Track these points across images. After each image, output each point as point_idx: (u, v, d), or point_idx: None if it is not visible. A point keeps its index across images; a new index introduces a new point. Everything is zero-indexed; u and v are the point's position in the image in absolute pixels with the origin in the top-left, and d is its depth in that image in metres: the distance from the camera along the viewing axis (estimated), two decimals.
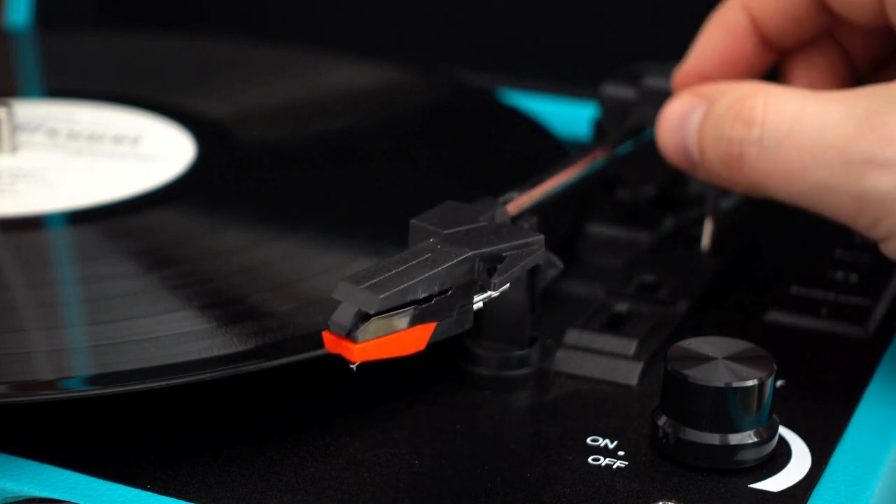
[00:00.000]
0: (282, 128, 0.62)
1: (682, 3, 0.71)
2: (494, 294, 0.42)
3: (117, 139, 0.59)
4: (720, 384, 0.42)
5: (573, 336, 0.49)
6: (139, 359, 0.44)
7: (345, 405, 0.46)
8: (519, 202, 0.47)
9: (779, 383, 0.47)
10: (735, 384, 0.42)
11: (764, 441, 0.43)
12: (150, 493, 0.42)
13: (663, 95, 0.54)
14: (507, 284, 0.43)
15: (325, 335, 0.39)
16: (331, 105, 0.65)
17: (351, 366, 0.40)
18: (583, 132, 0.61)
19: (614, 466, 0.43)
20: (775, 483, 0.43)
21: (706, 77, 0.52)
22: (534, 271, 0.47)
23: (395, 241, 0.49)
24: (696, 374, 0.43)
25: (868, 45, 0.53)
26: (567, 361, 0.48)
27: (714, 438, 0.43)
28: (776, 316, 0.51)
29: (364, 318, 0.39)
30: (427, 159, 0.60)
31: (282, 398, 0.46)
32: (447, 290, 0.41)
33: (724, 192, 0.54)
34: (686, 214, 0.56)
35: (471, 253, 0.42)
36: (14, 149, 0.58)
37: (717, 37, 0.52)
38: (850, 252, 0.55)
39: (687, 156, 0.49)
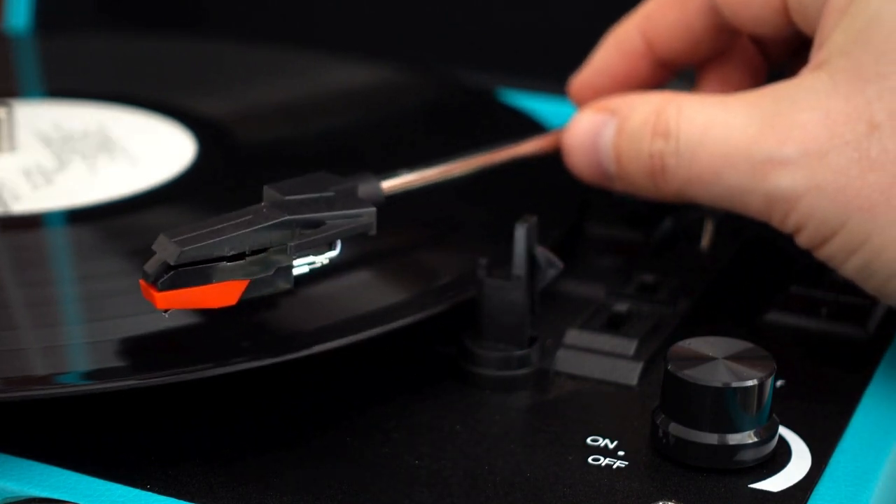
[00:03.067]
0: (282, 128, 0.62)
1: None
2: (320, 260, 0.44)
3: (117, 139, 0.59)
4: (720, 384, 0.42)
5: (573, 336, 0.49)
6: (137, 355, 0.44)
7: (345, 405, 0.46)
8: (396, 182, 0.48)
9: (779, 383, 0.47)
10: (735, 384, 0.42)
11: (764, 441, 0.43)
12: (150, 493, 0.42)
13: None
14: (335, 251, 0.45)
15: (141, 282, 0.42)
16: (331, 105, 0.65)
17: (164, 314, 0.42)
18: None
19: (614, 466, 0.43)
20: (775, 483, 0.43)
21: (601, 91, 0.53)
22: (534, 272, 0.47)
23: (394, 240, 0.49)
24: (696, 374, 0.43)
25: (780, 46, 0.53)
26: (567, 361, 0.48)
27: (714, 438, 0.43)
28: (776, 316, 0.51)
29: (168, 268, 0.41)
30: (427, 159, 0.59)
31: (282, 398, 0.46)
32: (261, 251, 0.43)
33: None
34: (686, 214, 0.56)
35: (288, 217, 0.44)
36: (14, 149, 0.58)
37: (612, 55, 0.53)
38: None
39: (602, 172, 0.51)
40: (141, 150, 0.58)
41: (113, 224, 0.52)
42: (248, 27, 0.79)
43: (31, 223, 0.53)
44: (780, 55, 0.54)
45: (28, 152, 0.58)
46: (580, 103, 0.54)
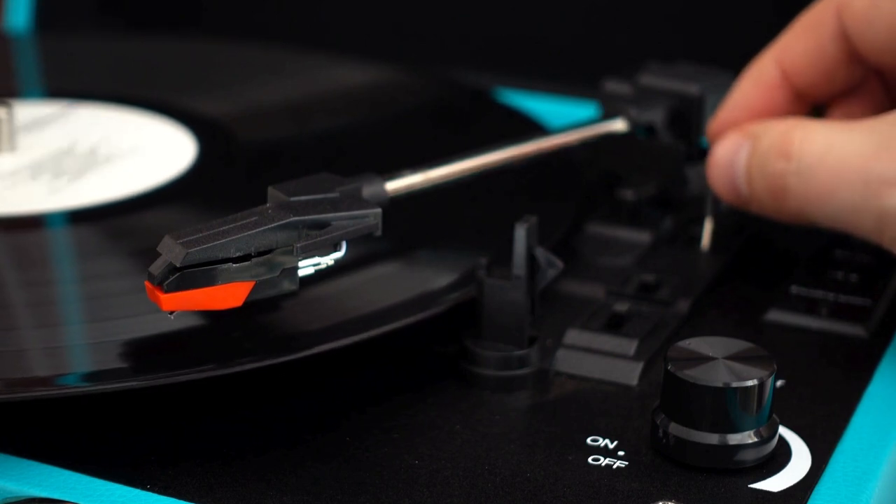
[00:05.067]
0: (282, 128, 0.62)
1: (683, 4, 0.72)
2: (326, 261, 0.44)
3: (117, 139, 0.59)
4: (720, 384, 0.42)
5: (573, 336, 0.49)
6: (137, 356, 0.44)
7: (345, 405, 0.46)
8: (400, 184, 0.48)
9: (779, 383, 0.47)
10: (735, 384, 0.42)
11: (764, 441, 0.43)
12: (150, 493, 0.42)
13: (658, 94, 0.55)
14: (340, 252, 0.45)
15: (146, 284, 0.42)
16: (331, 105, 0.65)
17: (169, 315, 0.42)
18: None
19: (614, 466, 0.43)
20: (775, 483, 0.43)
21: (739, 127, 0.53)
22: (534, 272, 0.47)
23: (394, 240, 0.49)
24: (696, 374, 0.43)
25: None
26: (567, 361, 0.48)
27: (714, 438, 0.43)
28: (776, 316, 0.51)
29: (173, 270, 0.41)
30: (427, 159, 0.59)
31: (282, 398, 0.46)
32: (267, 252, 0.43)
33: None
34: (686, 214, 0.56)
35: (293, 219, 0.44)
36: (14, 149, 0.58)
37: (749, 90, 0.54)
38: (850, 252, 0.55)
39: (737, 192, 0.51)
40: (141, 150, 0.58)
41: (113, 224, 0.52)
42: (248, 27, 0.79)
43: (31, 223, 0.53)
44: None
45: (27, 152, 0.58)
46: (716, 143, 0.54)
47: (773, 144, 0.50)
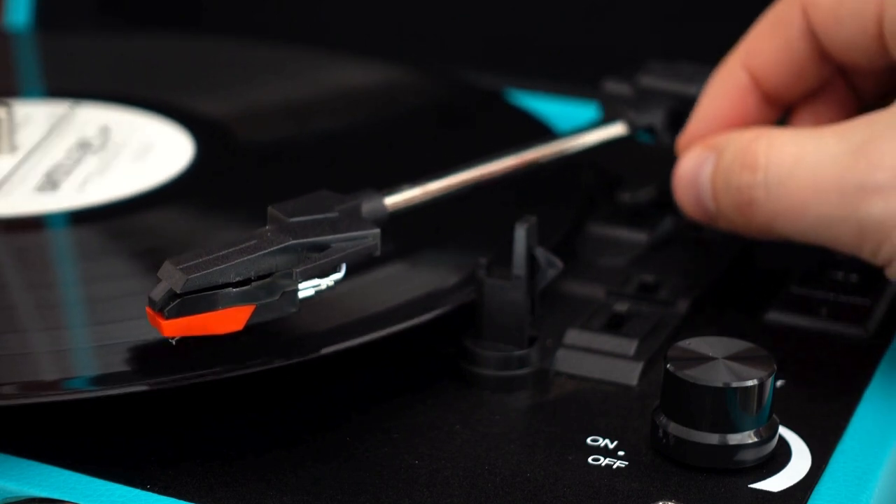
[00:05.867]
0: (282, 127, 0.62)
1: (683, 3, 0.71)
2: (326, 283, 0.44)
3: (117, 139, 0.59)
4: (720, 384, 0.42)
5: (573, 336, 0.49)
6: (139, 359, 0.44)
7: (345, 405, 0.46)
8: (399, 198, 0.48)
9: (779, 383, 0.47)
10: (735, 384, 0.42)
11: (764, 441, 0.43)
12: (150, 493, 0.42)
13: (657, 95, 0.55)
14: (340, 274, 0.44)
15: (147, 310, 0.42)
16: (331, 105, 0.65)
17: (171, 340, 0.42)
18: None
19: (614, 466, 0.43)
20: (775, 483, 0.43)
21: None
22: (534, 272, 0.47)
23: (394, 240, 0.49)
24: (696, 374, 0.43)
25: (873, 81, 0.52)
26: (567, 361, 0.48)
27: (714, 438, 0.43)
28: (776, 316, 0.51)
29: (174, 296, 0.41)
30: (429, 159, 0.59)
31: (282, 398, 0.46)
32: (267, 276, 0.43)
33: None
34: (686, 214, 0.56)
35: (292, 242, 0.44)
36: (13, 149, 0.58)
37: (718, 98, 0.52)
38: None
39: (704, 208, 0.50)
40: (141, 150, 0.58)
41: (113, 224, 0.52)
42: (248, 26, 0.79)
43: (30, 224, 0.53)
44: (871, 92, 0.53)
45: (27, 152, 0.58)
46: None
47: (737, 156, 0.48)
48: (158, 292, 0.42)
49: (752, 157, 0.47)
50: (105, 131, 0.60)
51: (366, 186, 0.51)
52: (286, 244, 0.43)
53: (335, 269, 0.45)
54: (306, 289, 0.44)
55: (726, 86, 0.52)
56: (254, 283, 0.43)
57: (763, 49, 0.51)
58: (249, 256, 0.43)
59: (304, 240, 0.44)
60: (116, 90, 0.64)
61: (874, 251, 0.46)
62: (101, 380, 0.44)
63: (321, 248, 0.44)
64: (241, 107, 0.63)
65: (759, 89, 0.52)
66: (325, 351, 0.45)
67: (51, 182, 0.56)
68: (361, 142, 0.61)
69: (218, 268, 0.42)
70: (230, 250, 0.43)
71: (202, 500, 0.41)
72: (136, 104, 0.62)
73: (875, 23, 0.48)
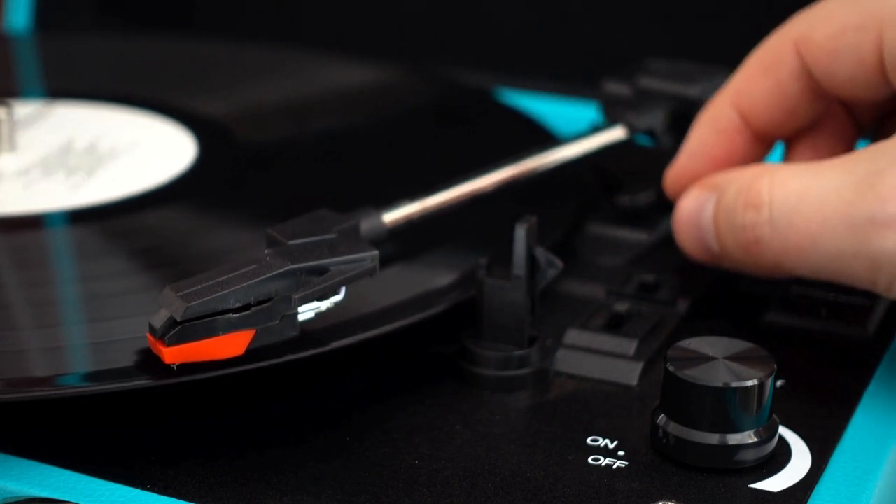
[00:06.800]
0: (282, 127, 0.62)
1: (683, 3, 0.71)
2: (325, 305, 0.44)
3: (117, 139, 0.59)
4: (720, 384, 0.42)
5: (573, 336, 0.49)
6: (137, 356, 0.44)
7: (345, 405, 0.46)
8: (398, 215, 0.49)
9: (779, 383, 0.47)
10: (735, 384, 0.42)
11: (764, 441, 0.43)
12: (150, 493, 0.42)
13: (657, 97, 0.54)
14: (339, 296, 0.45)
15: (148, 337, 0.42)
16: (331, 105, 0.65)
17: (172, 367, 0.42)
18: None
19: (614, 466, 0.43)
20: (775, 483, 0.43)
21: (699, 176, 0.51)
22: (534, 272, 0.47)
23: (394, 240, 0.49)
24: (696, 374, 0.43)
25: (872, 110, 0.52)
26: (567, 361, 0.48)
27: (714, 438, 0.43)
28: (776, 316, 0.51)
29: (174, 323, 0.42)
30: (427, 160, 0.59)
31: (282, 398, 0.46)
32: (267, 301, 0.43)
33: None
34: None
35: (291, 267, 0.44)
36: (14, 149, 0.58)
37: (707, 137, 0.52)
38: None
39: (708, 250, 0.49)
40: (141, 150, 0.58)
41: (114, 224, 0.52)
42: (248, 27, 0.79)
43: (31, 223, 0.53)
44: (871, 121, 0.52)
45: (27, 152, 0.58)
46: (675, 195, 0.52)
47: (740, 195, 0.47)
48: (159, 320, 0.42)
49: (756, 195, 0.47)
50: (105, 132, 0.60)
51: (365, 186, 0.51)
52: (285, 269, 0.43)
53: (334, 293, 0.45)
54: (306, 311, 0.44)
55: (716, 125, 0.51)
56: (253, 308, 0.43)
57: (753, 89, 0.51)
58: (249, 282, 0.43)
59: (303, 264, 0.44)
60: (117, 91, 0.64)
61: (889, 285, 0.45)
62: (101, 375, 0.44)
63: (320, 271, 0.44)
64: (241, 107, 0.63)
65: (749, 128, 0.51)
66: (325, 349, 0.44)
67: (51, 182, 0.56)
68: (361, 141, 0.61)
69: (217, 294, 0.42)
70: (230, 276, 0.43)
71: (202, 499, 0.41)
72: (137, 104, 0.62)
73: (874, 54, 0.48)
